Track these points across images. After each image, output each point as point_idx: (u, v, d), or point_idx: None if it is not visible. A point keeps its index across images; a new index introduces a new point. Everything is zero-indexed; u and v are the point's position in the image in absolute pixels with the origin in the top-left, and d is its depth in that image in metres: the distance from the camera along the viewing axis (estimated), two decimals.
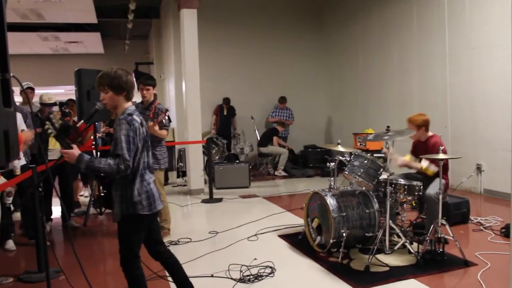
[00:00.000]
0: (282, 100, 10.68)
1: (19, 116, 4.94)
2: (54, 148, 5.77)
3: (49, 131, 2.55)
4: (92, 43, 14.39)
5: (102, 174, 2.71)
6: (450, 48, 7.39)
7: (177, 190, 8.51)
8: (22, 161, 4.95)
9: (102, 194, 2.82)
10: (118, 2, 11.01)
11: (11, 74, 1.66)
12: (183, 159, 9.23)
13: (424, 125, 4.65)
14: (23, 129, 4.92)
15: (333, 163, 4.57)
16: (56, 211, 6.24)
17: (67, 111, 5.72)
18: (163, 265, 3.12)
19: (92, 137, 6.54)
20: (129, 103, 2.82)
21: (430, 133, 4.71)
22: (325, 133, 12.03)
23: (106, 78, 2.72)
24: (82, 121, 2.99)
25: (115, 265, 4.36)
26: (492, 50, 6.57)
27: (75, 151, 2.60)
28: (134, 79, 2.98)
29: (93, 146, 6.44)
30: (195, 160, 8.02)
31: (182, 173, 9.25)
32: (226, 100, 10.58)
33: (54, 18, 10.76)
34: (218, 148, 9.35)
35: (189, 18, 7.85)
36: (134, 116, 2.73)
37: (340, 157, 4.61)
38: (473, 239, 4.78)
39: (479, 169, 6.89)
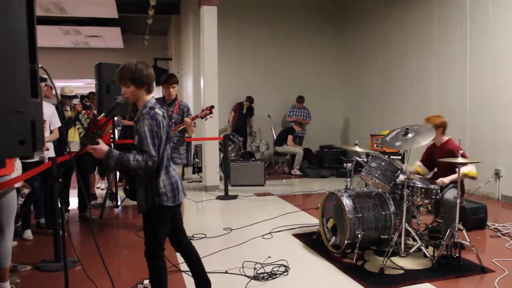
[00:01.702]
0: (300, 99, 10.66)
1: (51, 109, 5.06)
2: (73, 140, 5.85)
3: (80, 130, 2.61)
4: (112, 37, 14.57)
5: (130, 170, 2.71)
6: (471, 51, 7.27)
7: (192, 186, 8.56)
8: (51, 153, 5.04)
9: (127, 187, 2.83)
10: None
11: (39, 65, 1.68)
12: (199, 155, 9.28)
13: (441, 126, 4.56)
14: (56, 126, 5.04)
15: (350, 164, 4.55)
16: (73, 202, 6.35)
17: (88, 104, 5.78)
18: (183, 256, 3.14)
19: (110, 131, 6.61)
20: (150, 96, 2.82)
21: (445, 138, 4.64)
22: (342, 134, 11.97)
23: (127, 72, 2.71)
24: (103, 114, 3.01)
25: (130, 258, 4.42)
26: None
27: (103, 146, 2.60)
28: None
29: (111, 140, 6.51)
30: (211, 156, 8.06)
31: (198, 169, 9.31)
32: (250, 99, 10.54)
33: (76, 12, 10.93)
34: (234, 146, 9.37)
35: (209, 15, 7.88)
36: (156, 110, 2.73)
37: (357, 158, 4.60)
38: (490, 245, 4.72)
39: (497, 174, 6.79)
